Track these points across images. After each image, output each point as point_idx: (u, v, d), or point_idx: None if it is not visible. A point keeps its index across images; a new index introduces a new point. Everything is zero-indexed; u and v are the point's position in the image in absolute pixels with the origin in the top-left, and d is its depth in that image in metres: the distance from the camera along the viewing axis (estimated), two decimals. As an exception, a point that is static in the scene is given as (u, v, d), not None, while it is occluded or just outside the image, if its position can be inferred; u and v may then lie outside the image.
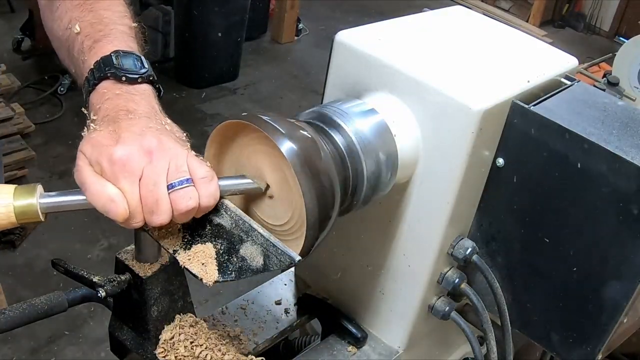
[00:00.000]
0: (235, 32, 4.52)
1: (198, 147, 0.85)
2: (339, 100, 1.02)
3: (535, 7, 6.71)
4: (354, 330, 1.20)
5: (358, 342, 1.19)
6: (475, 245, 1.09)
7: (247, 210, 0.93)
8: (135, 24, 0.97)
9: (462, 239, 1.09)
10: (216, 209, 0.85)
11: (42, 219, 0.78)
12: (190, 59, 4.50)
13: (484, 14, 1.33)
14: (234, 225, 0.84)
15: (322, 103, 1.07)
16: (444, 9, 1.27)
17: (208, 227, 0.86)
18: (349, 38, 1.06)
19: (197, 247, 0.85)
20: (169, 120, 0.85)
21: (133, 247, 0.95)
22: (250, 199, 0.93)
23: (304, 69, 5.12)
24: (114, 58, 0.86)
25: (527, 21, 6.60)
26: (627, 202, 0.92)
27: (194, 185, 0.78)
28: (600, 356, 1.03)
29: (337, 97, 1.07)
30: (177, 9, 4.42)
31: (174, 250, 0.86)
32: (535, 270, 1.06)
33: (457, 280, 1.10)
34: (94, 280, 0.93)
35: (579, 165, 0.95)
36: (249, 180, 0.88)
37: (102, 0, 0.96)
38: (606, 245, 0.96)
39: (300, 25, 5.58)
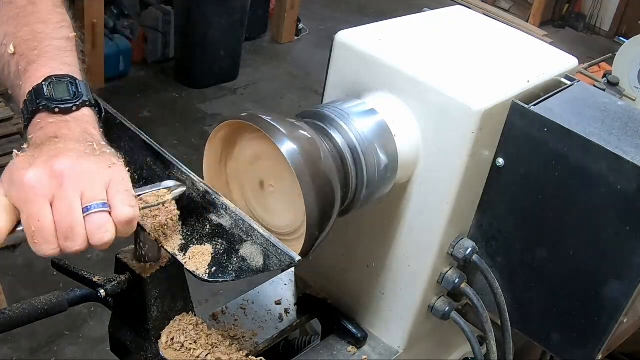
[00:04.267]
0: (235, 32, 4.52)
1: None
2: (339, 100, 1.02)
3: (535, 7, 6.70)
4: (354, 330, 1.20)
5: (358, 342, 1.19)
6: (475, 245, 1.09)
7: (247, 210, 0.93)
8: (73, 34, 0.91)
9: (462, 239, 1.09)
10: (216, 209, 0.85)
11: None
12: (190, 59, 4.49)
13: (484, 14, 1.33)
14: (234, 225, 0.84)
15: (322, 103, 1.07)
16: (444, 9, 1.27)
17: (208, 227, 0.86)
18: (349, 38, 1.06)
19: (197, 248, 0.85)
20: (103, 142, 0.81)
21: (133, 247, 0.95)
22: (250, 198, 0.93)
23: (304, 69, 5.11)
24: (45, 88, 0.81)
25: (527, 21, 6.59)
26: (627, 202, 0.92)
27: (109, 211, 0.74)
28: (600, 356, 1.03)
29: (337, 97, 1.07)
30: (177, 9, 4.42)
31: (173, 250, 0.86)
32: (536, 270, 1.05)
33: (457, 280, 1.10)
34: (94, 280, 0.93)
35: (579, 165, 0.95)
36: (166, 190, 0.84)
37: (39, 7, 0.90)
38: (606, 245, 0.96)
39: (300, 25, 5.58)
